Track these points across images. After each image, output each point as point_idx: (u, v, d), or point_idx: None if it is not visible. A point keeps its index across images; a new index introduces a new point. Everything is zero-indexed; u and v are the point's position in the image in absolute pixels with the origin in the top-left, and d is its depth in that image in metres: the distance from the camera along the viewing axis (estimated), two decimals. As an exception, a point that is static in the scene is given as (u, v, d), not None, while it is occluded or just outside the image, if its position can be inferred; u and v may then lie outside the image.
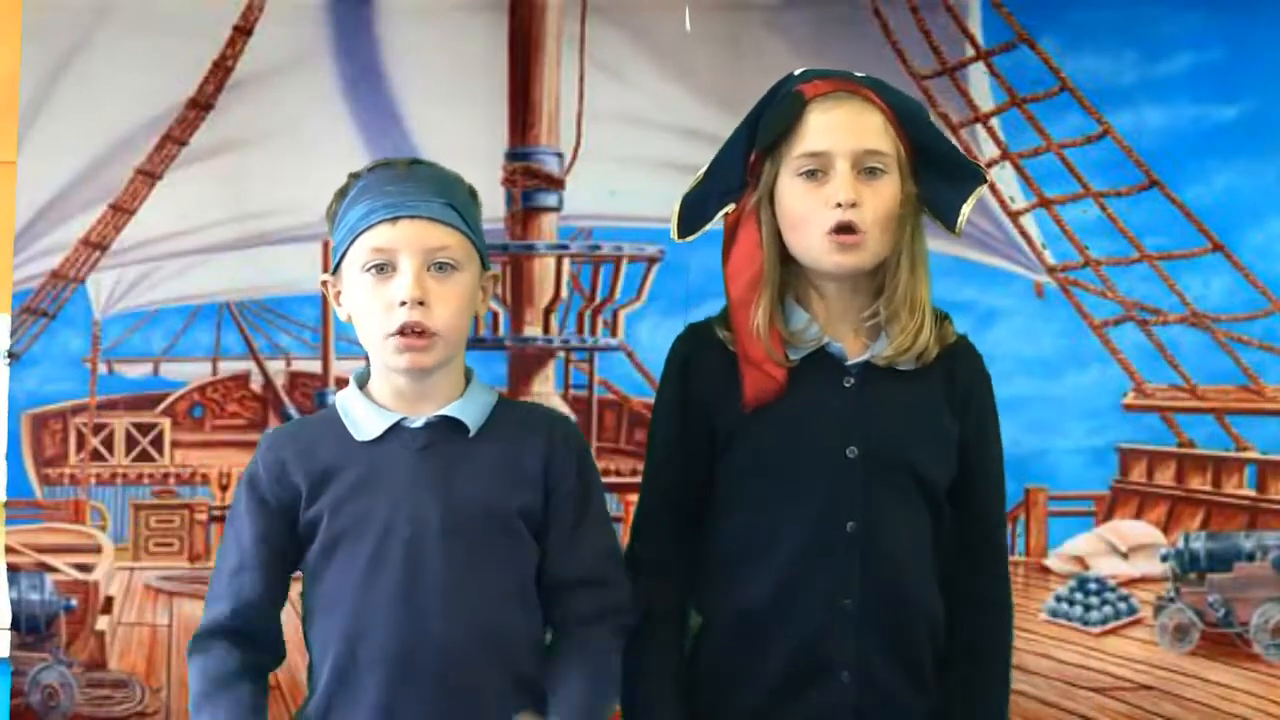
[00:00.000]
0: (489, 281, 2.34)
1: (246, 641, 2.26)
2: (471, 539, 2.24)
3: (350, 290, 2.29)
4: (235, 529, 2.29)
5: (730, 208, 2.36)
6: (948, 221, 2.33)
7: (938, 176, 2.32)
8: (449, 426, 2.28)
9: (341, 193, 2.33)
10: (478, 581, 2.23)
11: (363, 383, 2.34)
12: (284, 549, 2.27)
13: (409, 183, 2.27)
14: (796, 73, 2.36)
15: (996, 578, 2.42)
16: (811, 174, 2.29)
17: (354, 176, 2.33)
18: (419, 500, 2.24)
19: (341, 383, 3.76)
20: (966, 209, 2.33)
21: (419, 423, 2.28)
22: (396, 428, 2.27)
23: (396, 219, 2.24)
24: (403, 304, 2.22)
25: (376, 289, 2.24)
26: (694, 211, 2.38)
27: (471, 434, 2.28)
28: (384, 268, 2.24)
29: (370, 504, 2.24)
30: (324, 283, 2.35)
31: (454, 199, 2.28)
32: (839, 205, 2.26)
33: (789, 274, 2.35)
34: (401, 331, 2.23)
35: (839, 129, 2.28)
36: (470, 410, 2.29)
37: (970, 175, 2.34)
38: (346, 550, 2.24)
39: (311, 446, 2.28)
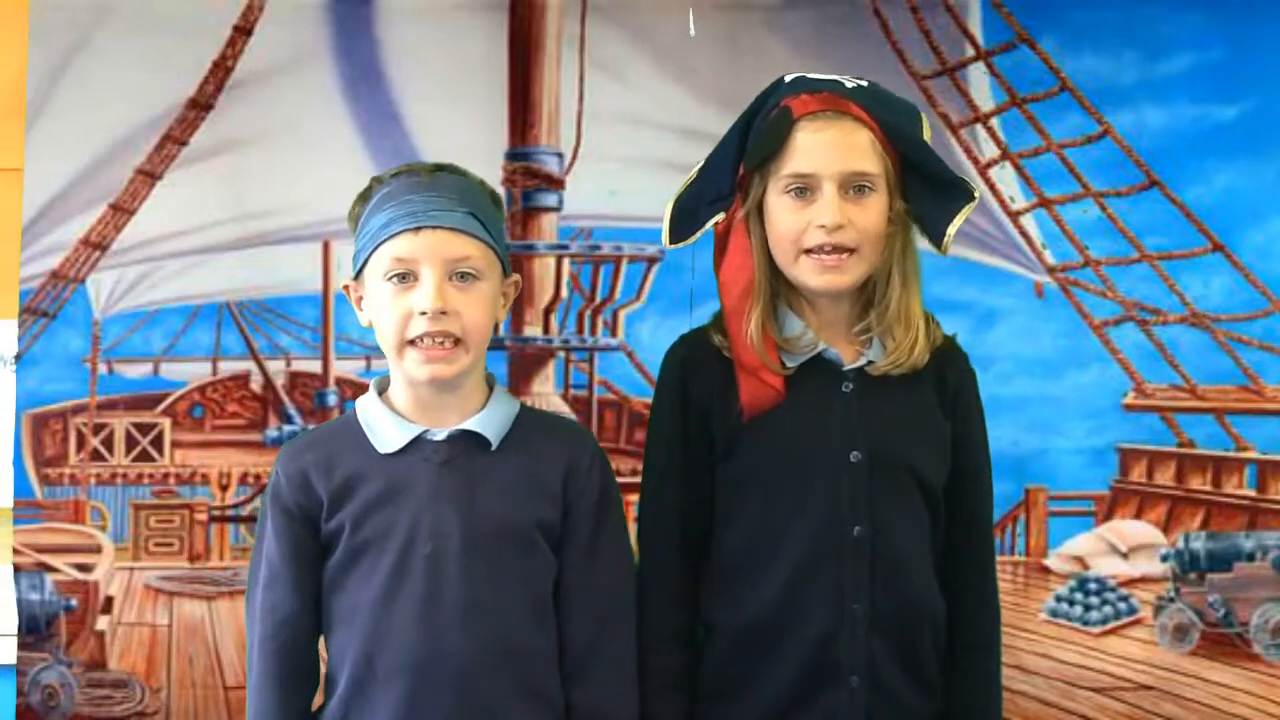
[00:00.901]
0: (510, 287, 2.34)
1: (287, 676, 2.26)
2: (491, 554, 2.24)
3: (372, 297, 2.29)
4: (263, 544, 2.30)
5: (720, 216, 2.37)
6: (934, 239, 2.34)
7: (927, 193, 2.33)
8: (471, 440, 2.28)
9: (364, 196, 2.33)
10: (497, 596, 2.24)
11: (382, 389, 2.34)
12: (312, 558, 2.28)
13: (431, 191, 2.27)
14: (787, 79, 2.36)
15: (984, 574, 2.43)
16: (800, 191, 2.29)
17: (377, 181, 2.33)
18: (440, 515, 2.24)
19: (342, 383, 3.77)
20: (953, 228, 2.33)
21: (441, 436, 2.28)
22: (418, 440, 2.28)
23: (419, 229, 2.24)
24: (423, 314, 2.22)
25: (398, 298, 2.25)
26: (685, 216, 2.39)
27: (493, 448, 2.28)
28: (405, 277, 2.24)
29: (392, 517, 2.24)
30: (346, 287, 2.35)
31: (476, 207, 2.28)
32: (824, 227, 2.27)
33: (781, 282, 2.35)
34: (422, 340, 2.23)
35: (827, 151, 2.28)
36: (492, 423, 2.29)
37: (959, 194, 2.34)
38: (368, 563, 2.24)
39: (332, 457, 2.28)
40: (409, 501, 2.25)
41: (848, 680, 2.31)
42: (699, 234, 2.38)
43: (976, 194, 2.36)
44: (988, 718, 2.42)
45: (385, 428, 2.30)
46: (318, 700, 2.33)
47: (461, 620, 2.21)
